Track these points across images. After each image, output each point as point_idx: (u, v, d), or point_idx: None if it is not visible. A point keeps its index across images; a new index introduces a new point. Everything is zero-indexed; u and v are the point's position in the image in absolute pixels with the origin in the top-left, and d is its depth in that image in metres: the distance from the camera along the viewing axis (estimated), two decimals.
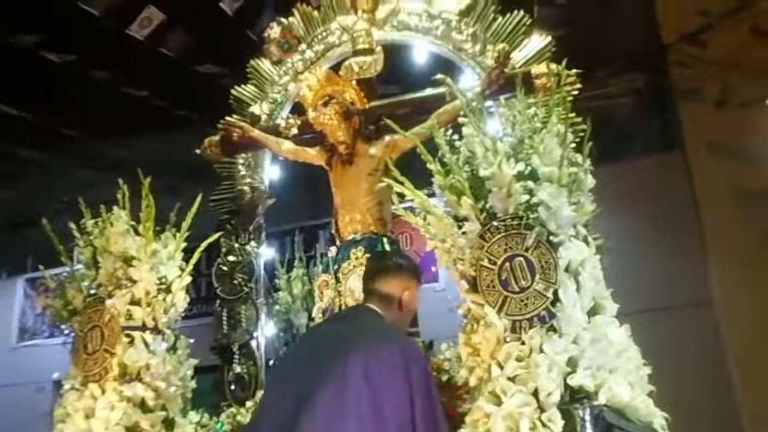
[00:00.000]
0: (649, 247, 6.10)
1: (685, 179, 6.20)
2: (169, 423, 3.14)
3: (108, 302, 3.14)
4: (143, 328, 3.18)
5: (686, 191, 6.15)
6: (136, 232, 3.35)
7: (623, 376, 2.35)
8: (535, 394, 2.23)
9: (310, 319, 4.16)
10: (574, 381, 2.24)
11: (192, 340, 3.51)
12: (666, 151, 6.74)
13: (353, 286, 3.40)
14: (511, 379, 2.28)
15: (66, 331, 3.49)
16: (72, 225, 3.44)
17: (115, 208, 3.40)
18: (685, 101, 6.34)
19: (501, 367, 2.31)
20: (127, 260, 3.23)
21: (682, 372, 4.79)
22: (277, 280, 4.57)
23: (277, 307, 4.43)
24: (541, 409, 2.20)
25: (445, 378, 3.11)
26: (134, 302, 3.18)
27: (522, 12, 3.86)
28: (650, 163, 6.72)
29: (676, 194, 6.21)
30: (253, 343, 3.86)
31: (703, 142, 6.11)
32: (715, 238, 5.85)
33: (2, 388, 9.36)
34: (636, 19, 6.41)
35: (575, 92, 3.47)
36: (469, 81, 3.75)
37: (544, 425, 2.17)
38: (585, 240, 2.57)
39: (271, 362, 3.98)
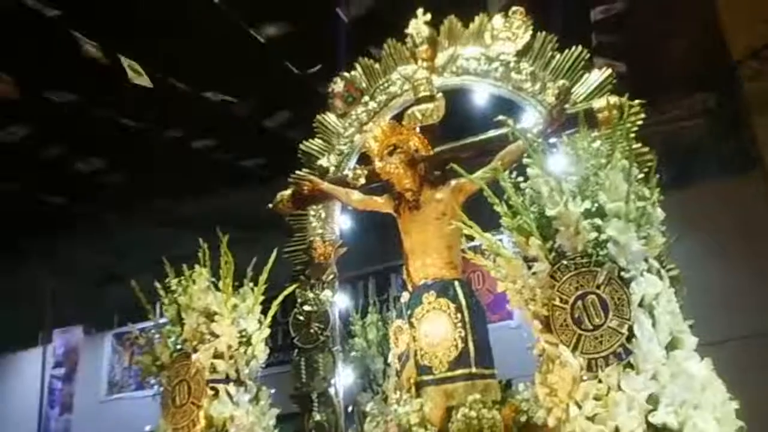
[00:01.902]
0: (730, 271, 5.93)
1: (765, 200, 6.01)
2: None
3: (193, 357, 3.27)
4: (227, 380, 3.30)
5: (765, 213, 5.97)
6: (217, 288, 3.49)
7: (709, 411, 2.30)
8: None
9: (386, 364, 4.20)
10: (656, 419, 2.21)
11: (273, 390, 3.62)
12: (742, 169, 6.56)
13: (427, 331, 3.44)
14: (591, 419, 2.26)
15: (153, 385, 3.64)
16: (157, 284, 3.61)
17: (196, 266, 3.55)
18: (759, 117, 6.18)
19: (579, 407, 2.31)
20: (210, 315, 3.37)
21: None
22: (352, 327, 4.62)
23: (353, 353, 4.47)
24: None
25: (523, 419, 3.09)
26: (217, 356, 3.31)
27: (581, 44, 3.86)
28: (727, 183, 6.55)
29: (757, 213, 6.02)
30: (332, 391, 3.91)
31: None
32: None
33: None
34: (701, 38, 6.32)
35: (641, 121, 3.45)
36: (531, 119, 3.76)
37: None
38: (658, 273, 2.54)
39: (349, 409, 4.03)
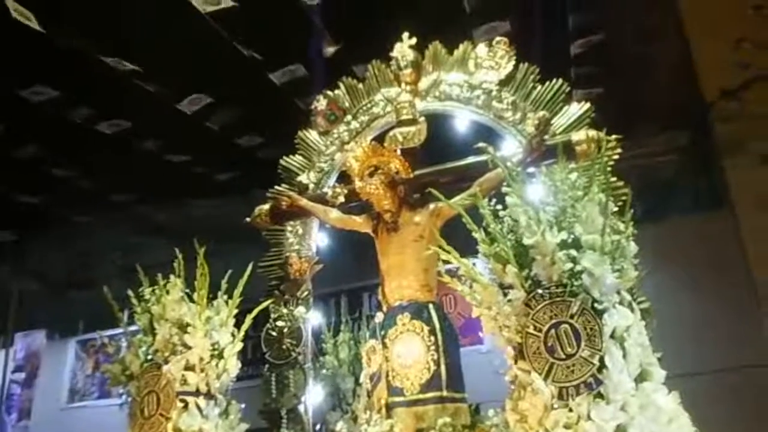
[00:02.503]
0: (699, 306, 6.05)
1: (734, 235, 6.14)
2: None
3: (164, 368, 3.25)
4: (197, 393, 3.28)
5: (736, 247, 6.09)
6: (191, 299, 3.48)
7: None
8: None
9: (357, 383, 4.20)
10: None
11: (243, 405, 3.60)
12: (713, 207, 6.70)
13: (400, 352, 3.46)
14: None
15: (121, 394, 3.60)
16: (129, 292, 3.59)
17: (170, 276, 3.54)
18: (730, 157, 6.31)
19: None
20: (182, 327, 3.35)
21: None
22: (323, 344, 4.62)
23: (323, 371, 4.47)
24: None
25: None
26: (189, 368, 3.29)
27: (561, 76, 3.95)
28: (698, 219, 6.69)
29: (726, 250, 6.15)
30: (301, 408, 3.91)
31: (751, 198, 6.06)
32: None
33: None
34: (676, 77, 6.46)
35: (617, 155, 3.53)
36: (511, 148, 3.83)
37: None
38: (630, 306, 2.59)
39: (317, 427, 4.02)
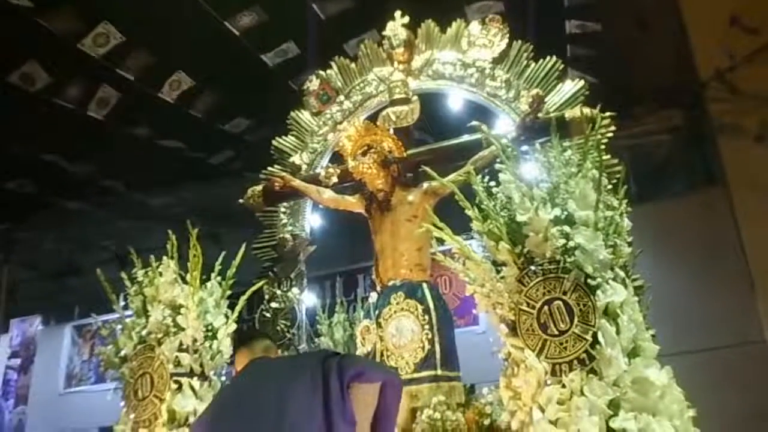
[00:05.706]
0: (694, 285, 6.05)
1: (729, 215, 6.13)
2: None
3: (158, 349, 3.24)
4: (191, 374, 3.27)
5: (730, 227, 6.08)
6: (184, 281, 3.46)
7: (667, 418, 2.34)
8: None
9: None
10: (616, 424, 2.25)
11: None
12: (708, 187, 6.69)
13: (394, 331, 3.45)
14: (553, 423, 2.30)
15: (115, 378, 3.59)
16: (123, 275, 3.57)
17: (163, 257, 3.52)
18: (724, 137, 6.30)
19: (542, 411, 2.34)
20: (176, 308, 3.34)
21: (730, 413, 4.71)
22: (318, 326, 4.62)
23: None
24: None
25: (487, 422, 3.11)
26: (182, 349, 3.28)
27: (555, 55, 3.92)
28: (693, 199, 6.67)
29: (721, 230, 6.14)
30: None
31: (745, 177, 6.05)
32: (763, 273, 5.74)
33: None
34: (672, 56, 6.43)
35: (611, 133, 3.51)
36: (505, 126, 3.80)
37: None
38: (623, 282, 2.58)
39: None
